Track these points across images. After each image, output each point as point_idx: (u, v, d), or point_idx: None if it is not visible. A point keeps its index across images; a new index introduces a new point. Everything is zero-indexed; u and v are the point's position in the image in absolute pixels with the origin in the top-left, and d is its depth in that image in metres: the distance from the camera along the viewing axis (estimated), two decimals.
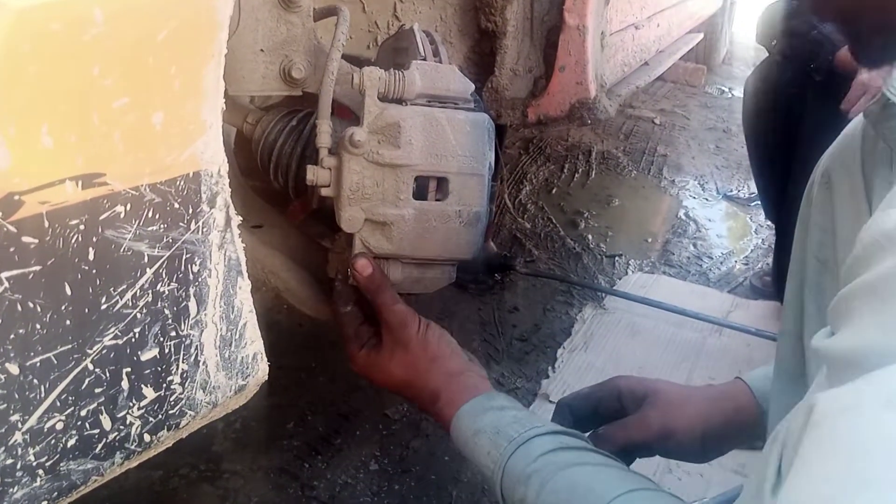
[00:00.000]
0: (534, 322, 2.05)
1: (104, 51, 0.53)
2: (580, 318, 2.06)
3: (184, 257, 0.65)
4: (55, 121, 0.51)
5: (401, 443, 1.57)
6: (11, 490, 0.57)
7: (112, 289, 0.59)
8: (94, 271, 0.57)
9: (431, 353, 0.90)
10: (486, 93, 1.79)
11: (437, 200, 0.97)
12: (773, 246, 2.25)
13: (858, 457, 0.35)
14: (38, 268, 0.54)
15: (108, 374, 0.61)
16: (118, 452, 0.65)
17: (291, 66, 0.98)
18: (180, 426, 0.71)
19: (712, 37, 4.73)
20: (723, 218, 2.87)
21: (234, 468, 1.47)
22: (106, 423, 0.63)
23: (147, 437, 0.67)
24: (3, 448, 0.55)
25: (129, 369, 0.63)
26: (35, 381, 0.56)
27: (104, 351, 0.60)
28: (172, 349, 0.66)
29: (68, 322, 0.57)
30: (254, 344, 0.76)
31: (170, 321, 0.65)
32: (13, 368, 0.54)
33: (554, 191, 2.89)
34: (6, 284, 0.52)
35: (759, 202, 2.41)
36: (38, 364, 0.56)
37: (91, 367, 0.60)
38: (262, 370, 0.78)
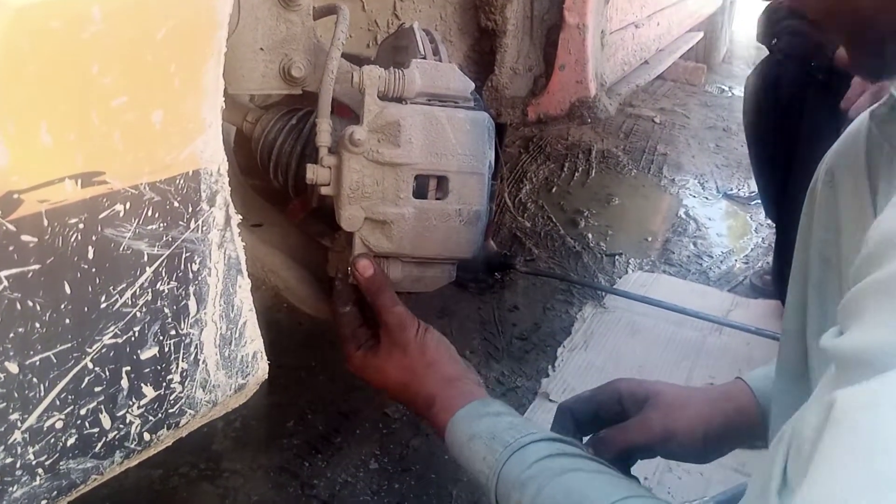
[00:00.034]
0: (534, 321, 2.05)
1: (103, 49, 0.53)
2: (580, 317, 2.06)
3: (183, 256, 0.65)
4: (54, 119, 0.51)
5: (401, 442, 1.57)
6: (11, 489, 0.57)
7: (112, 287, 0.59)
8: (93, 270, 0.57)
9: (429, 358, 0.90)
10: (486, 91, 1.79)
11: (437, 199, 0.97)
12: (773, 245, 2.25)
13: (880, 455, 0.35)
14: (37, 266, 0.53)
15: (107, 373, 0.61)
16: (118, 451, 0.65)
17: (291, 64, 0.98)
18: (180, 425, 0.71)
19: (712, 35, 4.73)
20: (723, 217, 2.87)
21: (233, 467, 1.47)
22: (105, 421, 0.63)
23: (147, 436, 0.67)
24: (2, 447, 0.55)
25: (128, 368, 0.63)
26: (34, 379, 0.56)
27: (104, 350, 0.60)
28: (172, 348, 0.66)
29: (68, 321, 0.57)
30: (254, 342, 0.76)
31: (169, 320, 0.65)
32: (12, 367, 0.54)
33: (554, 189, 2.89)
34: (5, 283, 0.52)
35: (759, 201, 2.41)
36: (38, 363, 0.56)
37: (91, 365, 0.60)
38: (261, 369, 0.78)
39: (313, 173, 0.95)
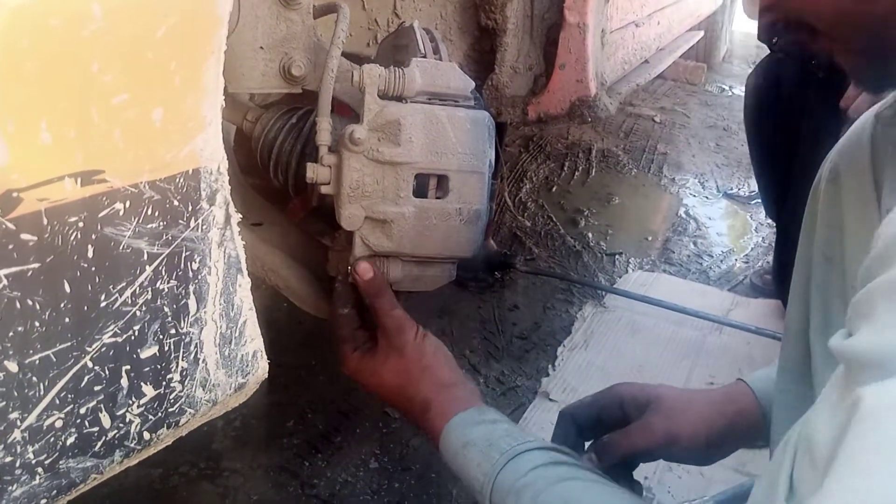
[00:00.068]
0: (534, 320, 2.05)
1: (103, 46, 0.53)
2: (580, 317, 2.06)
3: (183, 255, 0.65)
4: (54, 117, 0.51)
5: (401, 441, 1.57)
6: (10, 488, 0.57)
7: (111, 286, 0.59)
8: (93, 269, 0.57)
9: (426, 362, 0.90)
10: (487, 90, 1.79)
11: (437, 198, 0.97)
12: (773, 244, 2.25)
13: None
14: (36, 265, 0.53)
15: (107, 372, 0.61)
16: (118, 450, 0.65)
17: (291, 63, 0.98)
18: (180, 424, 0.70)
19: (712, 35, 4.73)
20: (723, 216, 2.87)
21: (233, 466, 1.47)
22: (105, 420, 0.62)
23: (147, 435, 0.67)
24: (2, 446, 0.55)
25: (128, 367, 0.63)
26: (34, 378, 0.56)
27: (103, 349, 0.60)
28: (172, 347, 0.66)
29: (67, 320, 0.57)
30: (253, 342, 0.76)
31: (169, 319, 0.65)
32: (12, 366, 0.54)
33: (554, 189, 2.89)
34: (5, 282, 0.52)
35: (759, 200, 2.41)
36: (38, 362, 0.55)
37: (90, 364, 0.59)
38: (261, 368, 0.78)
39: (313, 172, 0.95)
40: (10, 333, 0.53)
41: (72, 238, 0.55)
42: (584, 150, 3.27)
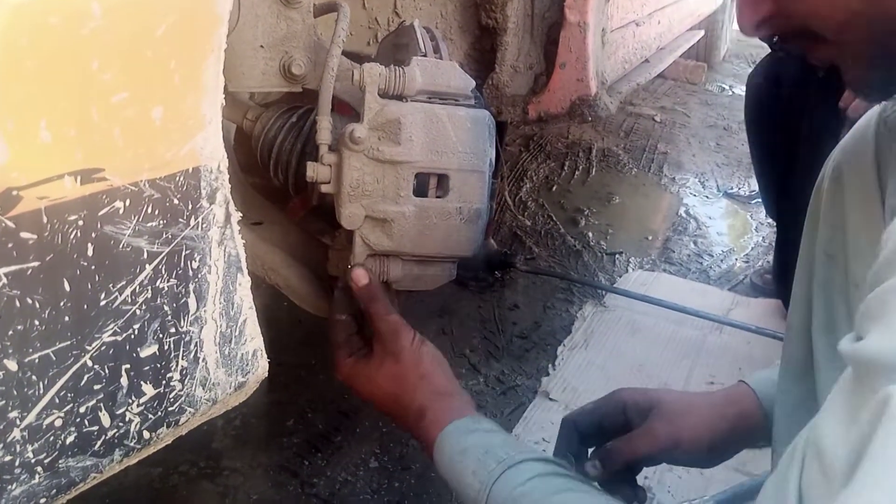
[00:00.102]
0: (534, 319, 2.04)
1: (103, 45, 0.52)
2: (580, 316, 2.06)
3: (183, 253, 0.64)
4: (54, 115, 0.51)
5: (401, 440, 1.57)
6: (10, 487, 0.57)
7: (111, 285, 0.59)
8: (92, 267, 0.57)
9: (423, 370, 0.88)
10: (487, 89, 1.79)
11: (437, 197, 0.97)
12: (773, 243, 2.25)
13: None
14: (36, 263, 0.53)
15: (107, 371, 0.61)
16: (117, 449, 0.65)
17: (291, 62, 0.98)
18: (180, 423, 0.70)
19: (713, 34, 4.72)
20: (723, 215, 2.87)
21: (233, 465, 1.47)
22: (105, 419, 0.62)
23: (146, 434, 0.67)
24: (1, 445, 0.55)
25: (128, 366, 0.63)
26: (34, 377, 0.56)
27: (103, 347, 0.60)
28: (172, 346, 0.66)
29: (67, 318, 0.57)
30: (253, 341, 0.76)
31: (169, 318, 0.65)
32: (11, 365, 0.54)
33: (554, 188, 2.89)
34: (4, 280, 0.51)
35: (759, 200, 2.41)
36: (37, 360, 0.55)
37: (90, 363, 0.59)
38: (261, 367, 0.78)
39: (313, 171, 0.95)
40: (10, 332, 0.53)
41: (71, 236, 0.55)
42: (585, 149, 3.27)
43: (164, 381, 0.67)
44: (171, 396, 0.68)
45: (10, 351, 0.53)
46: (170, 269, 0.64)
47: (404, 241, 0.96)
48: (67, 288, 0.56)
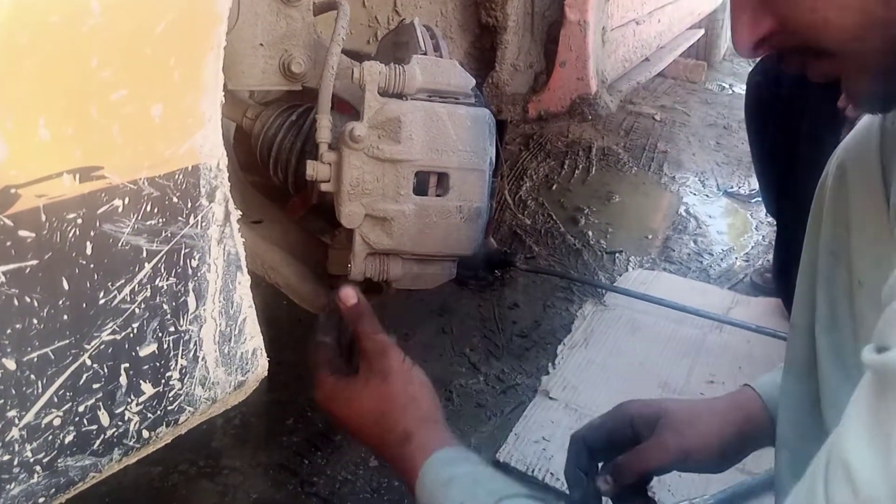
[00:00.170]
0: (534, 318, 2.04)
1: (102, 42, 0.52)
2: (580, 315, 2.06)
3: (182, 252, 0.64)
4: (52, 113, 0.51)
5: None
6: (9, 486, 0.56)
7: (110, 283, 0.59)
8: (91, 266, 0.57)
9: (412, 392, 0.84)
10: (487, 88, 1.79)
11: (437, 196, 0.97)
12: (773, 242, 2.25)
13: None
14: (34, 262, 0.53)
15: (106, 370, 0.61)
16: (116, 449, 0.65)
17: (291, 60, 0.98)
18: (179, 422, 0.70)
19: (713, 33, 4.73)
20: (723, 214, 2.87)
21: (233, 464, 1.47)
22: (104, 419, 0.62)
23: (145, 434, 0.67)
24: (0, 444, 0.55)
25: (127, 365, 0.63)
26: (32, 376, 0.55)
27: (102, 346, 0.60)
28: (171, 345, 0.66)
29: (66, 317, 0.56)
30: (253, 339, 0.75)
31: (168, 316, 0.65)
32: (10, 364, 0.54)
33: (554, 187, 2.88)
34: (3, 279, 0.51)
35: (759, 198, 2.41)
36: (36, 359, 0.55)
37: (89, 362, 0.59)
38: (261, 366, 0.78)
39: (313, 170, 0.94)
40: (8, 331, 0.53)
41: (70, 235, 0.55)
42: (585, 148, 3.27)
43: (163, 380, 0.66)
44: (170, 395, 0.68)
45: (9, 350, 0.53)
46: (169, 267, 0.63)
47: (404, 239, 0.96)
48: (66, 286, 0.56)
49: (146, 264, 0.61)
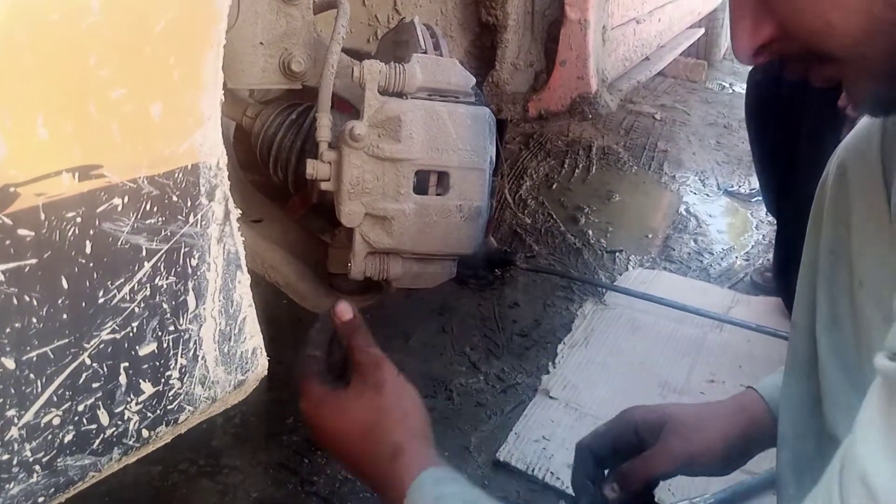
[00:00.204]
0: (534, 317, 2.04)
1: (101, 40, 0.52)
2: (580, 314, 2.06)
3: (182, 251, 0.64)
4: (51, 111, 0.51)
5: None
6: (8, 486, 0.56)
7: (109, 282, 0.59)
8: (91, 265, 0.57)
9: (406, 406, 0.82)
10: (487, 87, 1.79)
11: (437, 195, 0.97)
12: (773, 241, 2.24)
13: None
14: (34, 261, 0.53)
15: (105, 369, 0.61)
16: (116, 448, 0.65)
17: (291, 59, 0.98)
18: (179, 421, 0.70)
19: (713, 32, 4.72)
20: (723, 214, 2.87)
21: (233, 463, 1.47)
22: (104, 418, 0.62)
23: (145, 433, 0.67)
24: None
25: (126, 364, 0.62)
26: (31, 375, 0.55)
27: (101, 345, 0.60)
28: (171, 344, 0.66)
29: (65, 316, 0.56)
30: (253, 339, 0.75)
31: (168, 315, 0.65)
32: (9, 363, 0.53)
33: (554, 186, 2.88)
34: (2, 278, 0.51)
35: (759, 198, 2.40)
36: (35, 358, 0.55)
37: (88, 361, 0.59)
38: (261, 365, 0.77)
39: (313, 169, 0.94)
40: (8, 330, 0.53)
41: (69, 233, 0.55)
42: (585, 147, 3.27)
43: (162, 380, 0.66)
44: (170, 395, 0.68)
45: (8, 349, 0.53)
46: (169, 266, 0.63)
47: (404, 238, 0.96)
48: (65, 285, 0.56)
49: (146, 263, 0.61)
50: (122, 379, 0.62)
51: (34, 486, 0.58)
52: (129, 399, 0.64)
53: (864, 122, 0.78)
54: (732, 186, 3.05)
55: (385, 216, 0.95)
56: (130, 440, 0.65)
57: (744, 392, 0.96)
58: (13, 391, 0.54)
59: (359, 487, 1.44)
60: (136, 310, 0.62)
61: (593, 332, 1.97)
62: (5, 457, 0.55)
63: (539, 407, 1.66)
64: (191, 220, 0.64)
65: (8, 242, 0.51)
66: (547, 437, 1.55)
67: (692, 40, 3.48)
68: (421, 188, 0.96)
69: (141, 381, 0.64)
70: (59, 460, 0.60)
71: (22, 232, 0.51)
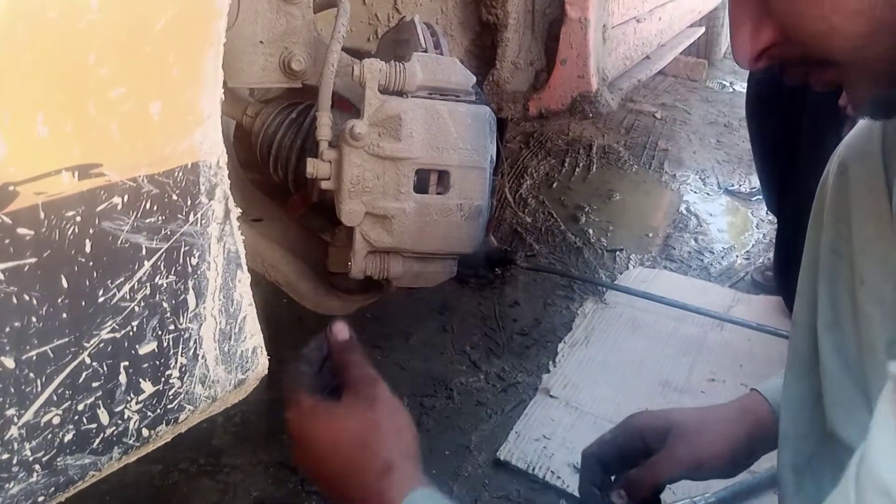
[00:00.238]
0: (534, 316, 2.04)
1: (100, 38, 0.52)
2: (581, 313, 2.05)
3: (182, 250, 0.64)
4: (50, 110, 0.51)
5: None
6: (8, 485, 0.56)
7: (109, 281, 0.59)
8: (90, 264, 0.57)
9: (399, 424, 0.80)
10: (487, 86, 1.79)
11: (438, 194, 0.97)
12: (774, 240, 2.24)
13: None
14: (33, 260, 0.53)
15: (105, 368, 0.61)
16: (116, 447, 0.64)
17: (291, 58, 0.98)
18: (179, 420, 0.70)
19: (713, 31, 4.72)
20: (724, 212, 2.86)
21: (233, 462, 1.47)
22: (104, 417, 0.62)
23: (145, 432, 0.67)
24: None
25: (126, 363, 0.62)
26: (31, 374, 0.55)
27: (101, 344, 0.60)
28: (171, 343, 0.66)
29: (65, 315, 0.56)
30: (253, 338, 0.75)
31: (168, 314, 0.65)
32: (9, 362, 0.53)
33: (555, 185, 2.88)
34: (1, 277, 0.51)
35: (760, 196, 2.40)
36: (35, 358, 0.55)
37: (88, 360, 0.59)
38: (261, 364, 0.77)
39: (313, 167, 0.94)
40: (7, 329, 0.53)
41: (69, 232, 0.54)
42: (585, 146, 3.27)
43: (163, 379, 0.66)
44: (170, 394, 0.67)
45: (8, 348, 0.53)
46: (169, 265, 0.63)
47: (405, 237, 0.96)
48: (65, 284, 0.55)
49: (146, 262, 0.61)
50: (122, 378, 0.62)
51: (34, 486, 0.58)
52: (129, 398, 0.64)
53: (865, 120, 0.77)
54: (733, 185, 3.05)
55: (385, 215, 0.94)
56: (130, 439, 0.65)
57: (747, 394, 0.96)
58: (13, 390, 0.54)
59: None
60: (136, 309, 0.62)
61: (594, 331, 1.97)
62: (5, 456, 0.55)
63: (539, 406, 1.66)
64: (191, 218, 0.64)
65: (7, 241, 0.51)
66: (547, 436, 1.55)
67: (693, 39, 3.48)
68: (421, 187, 0.96)
69: (141, 380, 0.64)
70: (58, 459, 0.60)
71: (21, 231, 0.51)
